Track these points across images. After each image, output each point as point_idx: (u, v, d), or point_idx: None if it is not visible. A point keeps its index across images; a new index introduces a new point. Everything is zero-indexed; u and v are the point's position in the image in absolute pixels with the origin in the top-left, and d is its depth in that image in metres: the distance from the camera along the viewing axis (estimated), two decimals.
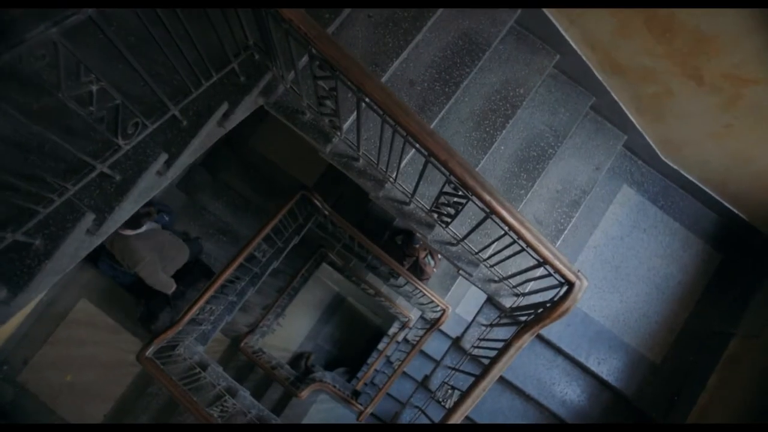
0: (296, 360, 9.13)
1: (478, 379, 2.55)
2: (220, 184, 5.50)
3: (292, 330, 9.24)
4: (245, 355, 6.46)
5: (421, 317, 7.06)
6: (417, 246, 5.45)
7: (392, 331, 8.51)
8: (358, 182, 2.89)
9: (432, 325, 5.57)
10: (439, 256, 5.65)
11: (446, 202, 2.48)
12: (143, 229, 4.00)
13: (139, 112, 1.91)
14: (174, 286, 4.36)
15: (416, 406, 3.59)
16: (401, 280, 5.58)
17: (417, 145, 2.07)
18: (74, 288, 4.58)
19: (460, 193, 2.23)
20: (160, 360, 4.02)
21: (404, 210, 2.91)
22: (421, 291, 5.26)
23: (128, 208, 2.13)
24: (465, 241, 2.85)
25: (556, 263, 2.23)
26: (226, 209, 5.41)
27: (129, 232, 3.88)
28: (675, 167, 3.43)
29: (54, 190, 1.78)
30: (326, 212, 4.73)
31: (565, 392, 3.48)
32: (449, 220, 2.70)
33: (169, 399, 4.39)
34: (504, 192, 3.14)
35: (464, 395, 2.56)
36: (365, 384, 8.05)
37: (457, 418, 2.58)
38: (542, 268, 2.46)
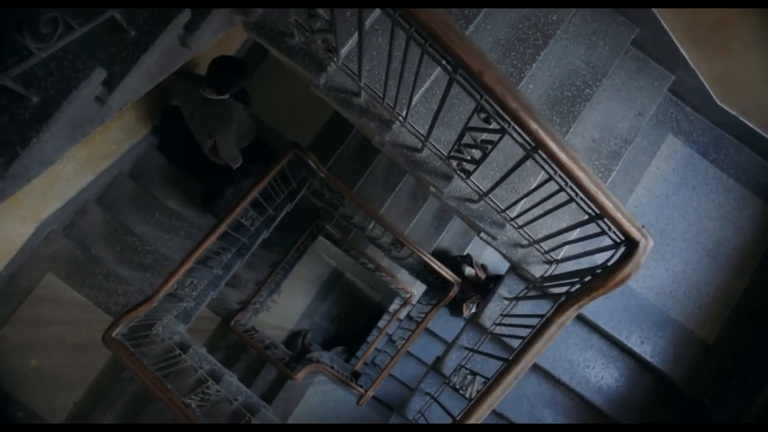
0: (293, 338, 8.68)
1: (510, 364, 2.06)
2: None
3: (287, 307, 8.75)
4: (236, 334, 5.99)
5: (425, 293, 6.58)
6: (474, 296, 5.14)
7: (393, 307, 8.04)
8: (360, 124, 2.37)
9: (439, 300, 5.09)
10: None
11: (472, 141, 1.95)
12: (227, 96, 3.70)
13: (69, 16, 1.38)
14: (240, 161, 4.18)
15: (427, 393, 3.10)
16: (405, 252, 5.09)
17: (442, 61, 1.55)
18: (39, 261, 4.07)
19: (492, 125, 1.71)
20: (133, 341, 3.53)
21: (415, 158, 2.38)
22: (426, 263, 4.77)
23: (54, 143, 1.60)
24: (489, 196, 2.34)
25: (618, 216, 1.73)
26: None
27: (215, 96, 3.61)
28: (732, 112, 2.90)
29: None
30: (322, 175, 4.20)
31: (600, 376, 2.99)
32: (471, 168, 2.18)
33: None
34: None
35: (492, 384, 2.08)
36: (365, 364, 7.60)
37: (483, 412, 2.10)
38: (583, 228, 1.99)
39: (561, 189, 1.83)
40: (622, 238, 1.82)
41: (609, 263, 1.88)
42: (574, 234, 2.53)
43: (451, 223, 5.65)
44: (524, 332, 2.26)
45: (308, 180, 4.74)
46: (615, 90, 2.86)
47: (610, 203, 1.70)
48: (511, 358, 2.11)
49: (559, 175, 1.77)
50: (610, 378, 2.97)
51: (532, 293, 2.75)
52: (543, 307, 2.85)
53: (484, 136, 1.91)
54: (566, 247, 2.56)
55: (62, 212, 4.11)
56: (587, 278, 2.00)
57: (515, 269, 2.87)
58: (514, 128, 1.66)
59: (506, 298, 2.89)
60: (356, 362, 7.54)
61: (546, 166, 1.75)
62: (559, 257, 2.60)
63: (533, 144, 1.64)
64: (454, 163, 2.25)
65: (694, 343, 2.91)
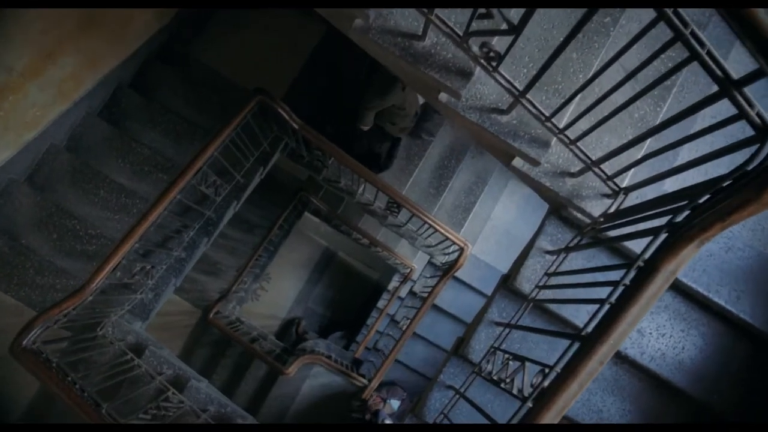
0: (286, 328, 7.97)
1: (591, 343, 1.30)
2: (157, 108, 4.14)
3: (278, 295, 8.03)
4: (217, 327, 5.24)
5: (429, 263, 5.82)
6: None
7: (393, 285, 7.31)
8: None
9: (446, 271, 4.33)
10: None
11: None
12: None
13: None
14: (365, 127, 4.07)
15: (450, 387, 2.35)
16: (402, 217, 4.33)
17: None
18: None
19: None
20: (74, 347, 2.80)
21: (416, 49, 1.61)
22: (430, 227, 4.00)
23: None
24: (527, 96, 1.58)
25: None
26: (165, 139, 4.05)
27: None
28: None
29: None
30: (295, 126, 3.41)
31: (680, 347, 2.23)
32: (502, 50, 1.41)
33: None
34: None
35: (564, 378, 1.32)
36: (367, 349, 6.90)
37: (551, 419, 1.35)
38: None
39: (674, 39, 1.07)
40: None
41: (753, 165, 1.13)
42: (642, 151, 1.82)
43: (452, 181, 4.88)
44: (586, 295, 1.52)
45: (282, 139, 3.96)
46: None
47: None
48: (587, 333, 1.36)
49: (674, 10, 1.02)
50: (693, 348, 2.21)
51: (586, 241, 1.99)
52: (598, 261, 2.12)
53: None
54: (631, 171, 1.82)
55: None
56: (706, 198, 1.25)
57: (559, 211, 2.11)
58: None
59: (549, 252, 2.13)
60: (356, 348, 6.84)
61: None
62: (625, 184, 1.85)
63: None
64: (476, 47, 1.48)
65: None
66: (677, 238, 1.21)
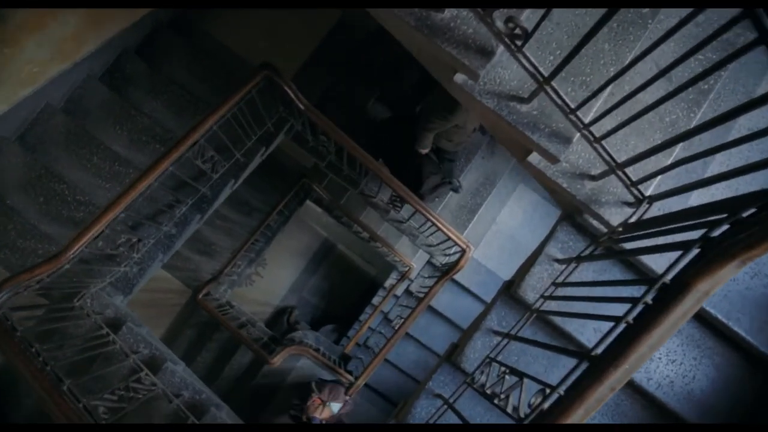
0: (278, 316, 7.84)
1: (602, 365, 1.14)
2: (161, 78, 3.98)
3: (272, 282, 7.89)
4: (205, 309, 5.09)
5: (429, 263, 5.66)
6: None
7: (389, 282, 7.14)
8: None
9: (446, 272, 4.17)
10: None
11: None
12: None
13: None
14: (424, 150, 3.96)
15: (438, 395, 2.19)
16: (405, 212, 4.18)
17: None
18: None
19: None
20: (48, 316, 2.66)
21: (434, 21, 1.44)
22: (433, 225, 3.84)
23: None
24: (552, 84, 1.41)
25: None
26: (166, 110, 3.90)
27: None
28: None
29: None
30: (301, 106, 3.25)
31: (691, 376, 2.06)
32: (529, 28, 1.25)
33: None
34: None
35: (569, 402, 1.16)
36: (357, 345, 6.74)
37: None
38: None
39: (743, 15, 0.90)
40: None
41: None
42: (671, 158, 1.67)
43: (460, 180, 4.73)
44: (595, 311, 1.37)
45: (287, 120, 3.80)
46: None
47: None
48: (599, 354, 1.19)
49: None
50: (704, 378, 2.04)
51: (600, 252, 1.83)
52: (611, 275, 1.96)
53: None
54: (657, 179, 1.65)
55: None
56: (751, 212, 1.08)
57: (573, 217, 1.95)
58: None
59: (558, 260, 1.96)
60: (347, 343, 6.69)
61: None
62: (650, 192, 1.68)
63: None
64: (500, 22, 1.31)
65: None
66: (717, 254, 1.04)
